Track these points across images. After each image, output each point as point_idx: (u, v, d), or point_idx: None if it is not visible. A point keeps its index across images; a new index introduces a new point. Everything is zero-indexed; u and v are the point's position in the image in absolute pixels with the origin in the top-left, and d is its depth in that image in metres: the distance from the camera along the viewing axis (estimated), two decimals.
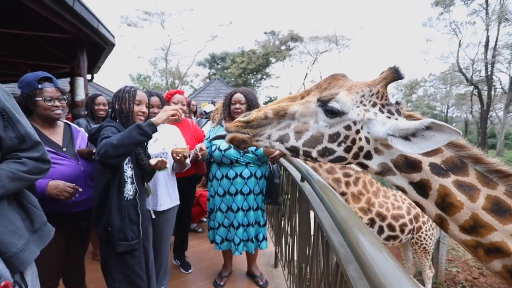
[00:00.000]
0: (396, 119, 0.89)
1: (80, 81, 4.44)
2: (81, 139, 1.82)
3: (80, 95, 4.48)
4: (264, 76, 29.10)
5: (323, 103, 0.91)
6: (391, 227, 2.67)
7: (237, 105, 2.27)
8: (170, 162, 2.06)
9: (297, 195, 2.05)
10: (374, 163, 0.94)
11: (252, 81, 28.16)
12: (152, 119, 1.48)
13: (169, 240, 2.22)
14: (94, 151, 1.65)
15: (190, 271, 2.69)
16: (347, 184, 2.58)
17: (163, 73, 29.31)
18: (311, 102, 0.94)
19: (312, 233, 1.56)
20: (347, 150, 0.92)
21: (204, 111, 4.68)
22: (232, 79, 26.25)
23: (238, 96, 2.28)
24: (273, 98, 26.64)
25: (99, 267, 1.65)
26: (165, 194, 2.06)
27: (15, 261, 0.98)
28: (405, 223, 2.72)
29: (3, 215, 0.98)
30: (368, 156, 0.93)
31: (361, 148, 0.92)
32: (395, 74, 0.89)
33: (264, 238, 2.39)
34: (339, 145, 0.92)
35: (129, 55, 54.13)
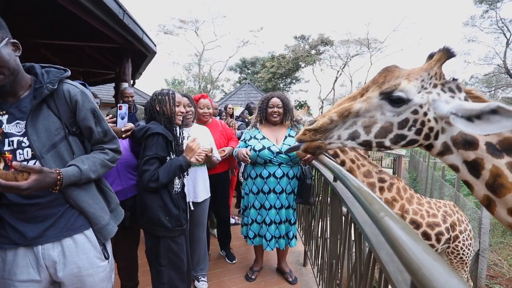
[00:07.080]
0: (460, 98, 0.94)
1: (125, 86, 4.85)
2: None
3: None
4: (294, 80, 29.06)
5: (386, 95, 0.97)
6: (426, 236, 2.56)
7: (275, 109, 2.39)
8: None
9: (329, 194, 2.08)
10: (439, 143, 0.99)
11: (281, 85, 28.24)
12: (187, 158, 1.73)
13: (205, 229, 2.40)
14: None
15: (234, 261, 2.86)
16: (381, 189, 2.53)
17: (196, 78, 30.43)
18: (373, 97, 1.00)
19: (343, 229, 1.61)
20: (418, 132, 0.98)
21: (236, 115, 4.99)
22: (262, 84, 26.54)
23: (276, 100, 2.41)
24: (302, 102, 26.41)
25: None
26: (202, 187, 2.26)
27: (103, 232, 1.19)
28: (441, 232, 2.60)
29: (94, 194, 1.19)
30: (437, 135, 0.99)
31: (431, 129, 0.97)
32: (447, 54, 0.94)
33: (294, 236, 2.46)
34: (409, 129, 0.98)
35: (165, 61, 56.80)
